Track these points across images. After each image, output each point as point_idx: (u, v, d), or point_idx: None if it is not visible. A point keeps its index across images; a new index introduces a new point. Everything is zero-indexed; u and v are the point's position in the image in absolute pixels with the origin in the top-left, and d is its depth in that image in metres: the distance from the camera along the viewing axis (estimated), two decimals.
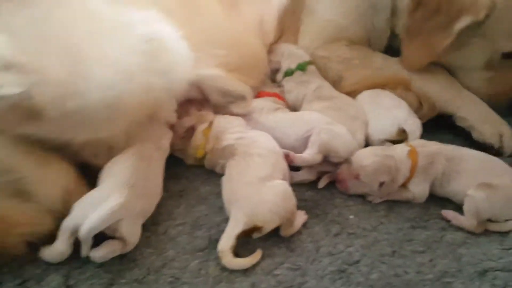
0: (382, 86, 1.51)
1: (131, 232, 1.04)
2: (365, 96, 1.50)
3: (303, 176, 1.29)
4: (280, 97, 1.51)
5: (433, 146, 1.30)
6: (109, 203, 0.99)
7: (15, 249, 1.01)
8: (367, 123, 1.42)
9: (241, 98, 1.36)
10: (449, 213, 1.22)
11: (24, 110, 0.97)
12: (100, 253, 1.01)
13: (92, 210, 1.00)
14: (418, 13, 1.42)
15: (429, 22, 1.42)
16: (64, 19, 1.05)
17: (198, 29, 1.33)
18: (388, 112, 1.43)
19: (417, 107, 1.48)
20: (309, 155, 1.25)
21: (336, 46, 1.59)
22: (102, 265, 1.03)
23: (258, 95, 1.48)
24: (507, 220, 1.18)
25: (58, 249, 1.01)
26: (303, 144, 1.29)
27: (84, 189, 1.10)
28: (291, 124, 1.34)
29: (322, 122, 1.30)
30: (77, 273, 1.01)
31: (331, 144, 1.25)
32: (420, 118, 1.44)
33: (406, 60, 1.53)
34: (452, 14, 1.39)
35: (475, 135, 1.47)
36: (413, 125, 1.38)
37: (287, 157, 1.24)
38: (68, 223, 1.01)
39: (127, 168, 1.11)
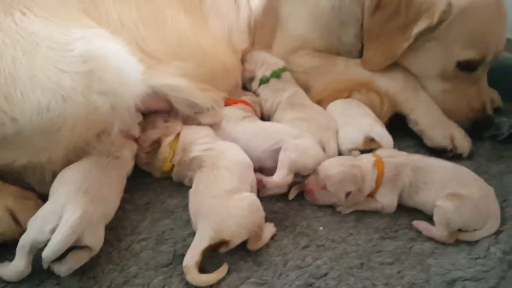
0: (347, 89, 1.53)
1: (94, 239, 1.02)
2: (335, 106, 1.51)
3: (273, 190, 1.27)
4: (247, 103, 1.50)
5: (400, 157, 1.30)
6: (67, 220, 0.96)
7: None
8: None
9: (208, 108, 1.34)
10: (420, 224, 1.21)
11: None
12: (66, 267, 0.98)
13: (48, 224, 0.97)
14: (377, 16, 1.45)
15: (388, 25, 1.44)
16: None
17: (164, 42, 1.35)
18: (354, 120, 1.43)
19: (379, 106, 1.50)
20: (280, 178, 1.22)
21: (298, 56, 1.61)
22: (60, 282, 0.99)
23: (225, 103, 1.47)
24: (476, 230, 1.18)
25: (17, 268, 0.97)
26: (270, 157, 1.27)
27: (33, 204, 1.10)
28: (258, 136, 1.32)
29: (289, 136, 1.29)
30: None
31: (300, 161, 1.25)
32: (381, 116, 1.46)
33: (366, 62, 1.55)
34: (410, 17, 1.41)
35: (425, 141, 1.49)
36: (380, 133, 1.38)
37: (260, 182, 1.23)
38: (25, 241, 0.98)
39: (79, 174, 1.09)
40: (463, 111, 1.53)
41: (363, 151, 1.37)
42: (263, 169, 1.29)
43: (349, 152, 1.37)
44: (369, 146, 1.38)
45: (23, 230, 1.02)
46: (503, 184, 1.34)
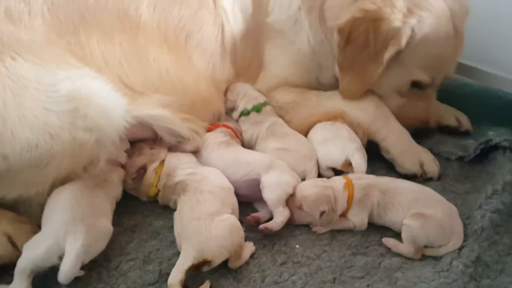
0: (317, 121, 1.61)
1: (96, 250, 1.14)
2: (324, 125, 1.59)
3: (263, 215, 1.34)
4: (228, 127, 1.58)
5: (369, 179, 1.39)
6: (70, 252, 1.05)
7: None
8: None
9: (188, 137, 1.43)
10: (389, 241, 1.31)
11: None
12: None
13: (53, 254, 1.06)
14: (349, 49, 1.53)
15: (360, 56, 1.53)
16: None
17: (146, 78, 1.45)
18: (340, 142, 1.51)
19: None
20: (282, 216, 1.29)
21: (274, 92, 1.70)
22: None
23: (209, 128, 1.55)
24: (440, 246, 1.28)
25: None
26: (242, 186, 1.36)
27: (26, 228, 1.19)
28: (229, 166, 1.40)
29: (260, 167, 1.36)
30: None
31: (283, 194, 1.31)
32: None
33: (344, 92, 1.63)
34: (379, 45, 1.51)
35: (397, 168, 1.58)
36: (360, 160, 1.46)
37: (266, 229, 1.27)
38: (24, 265, 1.07)
39: (72, 200, 1.17)
40: (410, 121, 1.65)
41: (336, 171, 1.47)
42: (237, 195, 1.35)
43: (327, 169, 1.47)
44: (345, 168, 1.47)
45: (20, 253, 1.10)
46: (468, 202, 1.44)
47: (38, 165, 1.16)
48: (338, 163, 1.48)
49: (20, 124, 1.13)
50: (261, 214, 1.34)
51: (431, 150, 1.65)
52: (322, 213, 1.31)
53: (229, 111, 1.68)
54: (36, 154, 1.14)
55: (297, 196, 1.33)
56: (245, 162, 1.41)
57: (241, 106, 1.63)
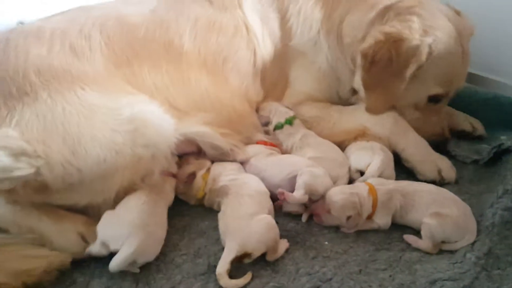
0: (341, 139, 1.77)
1: (149, 257, 1.34)
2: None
3: (292, 207, 1.53)
4: (273, 144, 1.78)
5: (389, 184, 1.54)
6: (122, 252, 1.27)
7: (49, 274, 1.31)
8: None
9: (228, 150, 1.64)
10: (409, 238, 1.46)
11: (35, 185, 1.32)
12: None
13: (116, 243, 1.29)
14: (373, 70, 1.67)
15: (383, 74, 1.67)
16: (64, 113, 1.37)
17: (189, 99, 1.66)
18: (372, 152, 1.68)
19: None
20: (298, 195, 1.49)
21: (299, 107, 1.88)
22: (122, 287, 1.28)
23: (257, 142, 1.76)
24: (456, 242, 1.42)
25: (97, 251, 1.32)
26: (288, 184, 1.54)
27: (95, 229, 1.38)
28: (276, 167, 1.60)
29: (303, 165, 1.56)
30: None
31: (312, 184, 1.50)
32: None
33: (371, 109, 1.78)
34: (402, 63, 1.64)
35: (417, 175, 1.72)
36: (375, 166, 1.61)
37: (281, 194, 1.49)
38: (100, 234, 1.32)
39: (140, 207, 1.38)
40: (427, 135, 1.78)
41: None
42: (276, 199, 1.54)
43: (355, 171, 1.65)
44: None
45: None
46: (481, 202, 1.57)
47: (106, 176, 1.38)
48: (364, 166, 1.65)
49: (91, 143, 1.35)
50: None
51: (448, 153, 1.78)
52: (348, 218, 1.46)
53: (264, 126, 1.85)
54: (104, 167, 1.36)
55: (327, 201, 1.48)
56: (289, 163, 1.60)
57: (275, 121, 1.81)
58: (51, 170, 1.30)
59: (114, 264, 1.27)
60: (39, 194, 1.33)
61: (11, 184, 1.29)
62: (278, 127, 1.80)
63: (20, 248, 1.33)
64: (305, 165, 1.58)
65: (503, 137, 1.82)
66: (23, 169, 1.27)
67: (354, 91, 1.85)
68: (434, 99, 1.77)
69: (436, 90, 1.74)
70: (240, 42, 1.80)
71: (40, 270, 1.28)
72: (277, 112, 1.82)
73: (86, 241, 1.37)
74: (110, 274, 1.30)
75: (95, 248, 1.32)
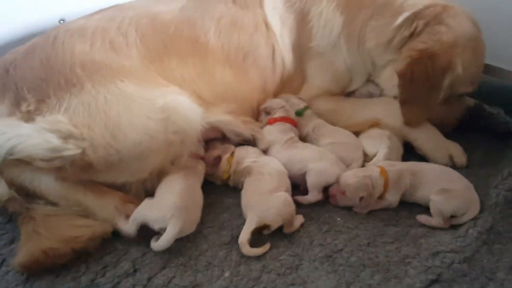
0: (356, 130, 1.88)
1: (186, 233, 1.49)
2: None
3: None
4: (287, 119, 1.86)
5: (399, 165, 1.67)
6: (169, 232, 1.41)
7: (94, 242, 1.49)
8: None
9: (249, 137, 1.80)
10: (422, 218, 1.57)
11: (80, 164, 1.49)
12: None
13: (158, 223, 1.44)
14: (413, 86, 1.75)
15: (421, 89, 1.75)
16: (106, 101, 1.53)
17: (214, 91, 1.82)
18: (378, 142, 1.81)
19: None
20: (312, 197, 1.63)
21: (315, 100, 1.99)
22: (156, 254, 1.45)
23: (268, 122, 1.87)
24: (463, 214, 1.54)
25: (128, 230, 1.48)
26: (298, 178, 1.67)
27: (133, 207, 1.54)
28: (289, 162, 1.70)
29: (310, 161, 1.67)
30: (140, 260, 1.45)
31: (322, 181, 1.63)
32: None
33: (410, 122, 1.84)
34: (438, 76, 1.73)
35: (430, 161, 1.80)
36: (381, 154, 1.74)
37: (296, 201, 1.60)
38: (138, 216, 1.48)
39: (181, 187, 1.53)
40: (450, 123, 1.92)
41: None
42: (298, 186, 1.69)
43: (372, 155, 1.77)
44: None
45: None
46: (487, 183, 1.67)
47: (141, 158, 1.55)
48: (371, 154, 1.77)
49: (129, 127, 1.52)
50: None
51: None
52: (361, 198, 1.58)
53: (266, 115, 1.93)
54: (140, 149, 1.53)
55: (341, 184, 1.61)
56: (299, 160, 1.71)
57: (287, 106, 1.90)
58: (95, 151, 1.48)
59: (162, 243, 1.42)
60: (84, 172, 1.51)
61: (61, 163, 1.46)
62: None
63: (69, 218, 1.52)
64: (312, 160, 1.68)
65: None
66: (71, 149, 1.45)
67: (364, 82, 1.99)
68: (462, 95, 1.87)
69: (467, 89, 1.84)
70: (260, 39, 1.92)
71: (85, 237, 1.46)
72: (289, 103, 1.93)
73: (122, 213, 1.53)
74: (146, 243, 1.47)
75: (128, 228, 1.47)
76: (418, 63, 1.72)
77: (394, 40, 1.82)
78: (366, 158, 1.77)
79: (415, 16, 1.78)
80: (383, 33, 1.84)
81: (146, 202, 1.51)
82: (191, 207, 1.51)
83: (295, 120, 1.88)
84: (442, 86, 1.75)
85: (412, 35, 1.78)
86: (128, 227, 1.47)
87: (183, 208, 1.47)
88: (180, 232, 1.44)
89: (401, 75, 1.75)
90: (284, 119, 1.86)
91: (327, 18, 1.93)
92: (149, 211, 1.47)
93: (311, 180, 1.64)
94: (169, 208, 1.46)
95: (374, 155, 1.76)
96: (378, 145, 1.78)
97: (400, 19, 1.80)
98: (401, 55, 1.77)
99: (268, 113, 1.89)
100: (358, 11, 1.89)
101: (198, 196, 1.59)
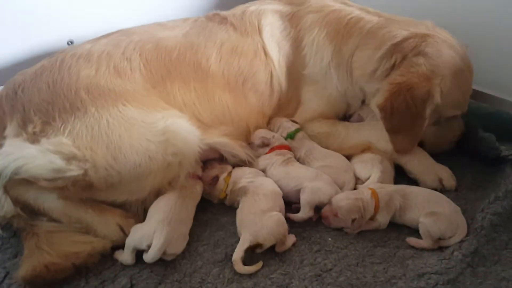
0: (349, 153, 1.94)
1: (175, 250, 1.55)
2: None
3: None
4: (285, 147, 1.94)
5: (389, 187, 1.73)
6: (155, 245, 1.49)
7: (93, 257, 1.56)
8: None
9: (245, 159, 1.87)
10: (411, 240, 1.63)
11: (82, 184, 1.57)
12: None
13: (145, 241, 1.51)
14: (394, 118, 1.80)
15: (404, 119, 1.79)
16: (108, 125, 1.62)
17: (213, 114, 1.90)
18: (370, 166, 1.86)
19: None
20: (303, 214, 1.69)
21: (310, 123, 2.06)
22: (153, 270, 1.52)
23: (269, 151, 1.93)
24: (450, 237, 1.59)
25: (126, 259, 1.54)
26: (293, 195, 1.75)
27: (131, 221, 1.63)
28: (285, 179, 1.78)
29: (306, 179, 1.75)
30: (137, 276, 1.51)
31: (315, 199, 1.69)
32: None
33: (399, 150, 1.88)
34: (419, 106, 1.76)
35: (419, 184, 1.85)
36: (374, 177, 1.80)
37: (288, 218, 1.66)
38: (129, 243, 1.54)
39: (167, 206, 1.61)
40: (444, 145, 1.98)
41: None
42: (291, 202, 1.75)
43: (365, 179, 1.82)
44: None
45: (126, 237, 1.57)
46: (475, 207, 1.73)
47: (140, 178, 1.62)
48: (364, 178, 1.83)
49: (130, 150, 1.60)
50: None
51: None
52: (353, 220, 1.63)
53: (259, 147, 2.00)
54: (139, 171, 1.61)
55: (334, 206, 1.66)
56: (296, 177, 1.78)
57: (278, 134, 1.98)
58: (96, 172, 1.56)
59: (150, 256, 1.49)
60: (86, 191, 1.59)
61: (63, 183, 1.54)
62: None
63: (70, 235, 1.59)
64: (308, 178, 1.75)
65: (502, 147, 1.93)
66: (74, 170, 1.53)
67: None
68: (451, 118, 1.93)
69: (453, 112, 1.90)
70: (259, 65, 2.01)
71: (85, 253, 1.53)
72: (281, 126, 2.00)
73: (123, 230, 1.61)
74: (142, 259, 1.53)
75: (125, 258, 1.54)
76: (397, 96, 1.77)
77: (378, 70, 1.89)
78: (358, 182, 1.83)
79: (394, 48, 1.84)
80: (368, 64, 1.91)
81: (134, 227, 1.58)
82: (174, 222, 1.56)
83: (288, 145, 1.95)
84: (424, 115, 1.79)
85: (393, 67, 1.85)
86: (125, 256, 1.54)
87: (165, 222, 1.54)
88: (165, 243, 1.50)
89: (381, 109, 1.81)
90: (279, 147, 1.93)
91: (318, 46, 2.00)
92: (136, 234, 1.54)
93: (304, 197, 1.70)
94: (152, 225, 1.54)
95: (367, 179, 1.81)
96: (370, 169, 1.84)
97: (381, 52, 1.86)
98: (382, 86, 1.84)
99: (267, 145, 1.95)
100: (346, 40, 1.96)
101: (186, 213, 1.65)
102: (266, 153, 1.94)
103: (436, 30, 1.88)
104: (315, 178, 1.77)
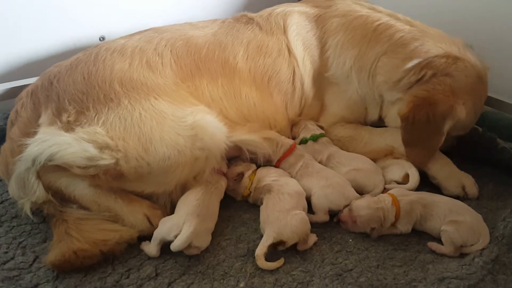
0: (371, 157, 1.95)
1: (201, 243, 1.58)
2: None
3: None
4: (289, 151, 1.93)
5: (411, 195, 1.73)
6: (183, 234, 1.52)
7: (120, 245, 1.60)
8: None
9: (269, 154, 1.91)
10: (433, 245, 1.64)
11: (113, 173, 1.62)
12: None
13: (173, 232, 1.54)
14: (414, 130, 1.82)
15: (423, 132, 1.82)
16: (140, 117, 1.66)
17: (239, 111, 1.95)
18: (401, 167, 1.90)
19: None
20: (318, 217, 1.72)
21: (333, 127, 2.10)
22: (177, 261, 1.56)
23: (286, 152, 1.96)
24: (472, 245, 1.60)
25: (151, 251, 1.57)
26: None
27: (158, 212, 1.67)
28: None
29: (316, 186, 1.78)
30: (162, 266, 1.55)
31: (325, 204, 1.72)
32: None
33: (413, 162, 1.89)
34: (439, 121, 1.79)
35: (442, 191, 1.87)
36: (415, 173, 1.84)
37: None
38: (156, 236, 1.58)
39: (196, 201, 1.65)
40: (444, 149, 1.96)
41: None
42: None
43: (391, 182, 1.86)
44: (404, 180, 1.86)
45: (154, 228, 1.61)
46: (496, 216, 1.74)
47: (168, 171, 1.66)
48: (399, 177, 1.86)
49: (160, 142, 1.64)
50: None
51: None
52: (373, 229, 1.65)
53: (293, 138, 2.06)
54: (168, 163, 1.65)
55: (354, 213, 1.68)
56: (307, 188, 1.79)
57: (301, 135, 2.03)
58: (127, 162, 1.60)
59: (176, 243, 1.52)
60: (116, 180, 1.64)
61: (95, 171, 1.59)
62: (303, 141, 2.01)
63: (99, 222, 1.63)
64: (320, 186, 1.77)
65: None
66: (106, 159, 1.58)
67: (380, 119, 2.07)
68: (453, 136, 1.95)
69: (459, 133, 1.94)
70: (282, 63, 2.05)
71: (113, 241, 1.57)
72: (306, 128, 2.04)
73: (150, 221, 1.65)
74: (168, 250, 1.56)
75: (151, 249, 1.57)
76: (420, 109, 1.80)
77: (402, 81, 1.90)
78: (391, 183, 1.86)
79: (426, 64, 1.85)
80: (393, 72, 1.92)
81: (162, 220, 1.62)
82: (203, 216, 1.60)
83: (293, 146, 1.96)
84: (443, 130, 1.81)
85: (418, 81, 1.86)
86: (151, 248, 1.58)
87: (194, 215, 1.58)
88: (194, 233, 1.52)
89: (404, 118, 1.83)
90: (286, 155, 1.94)
91: (342, 49, 2.03)
92: (164, 226, 1.58)
93: (314, 203, 1.75)
94: (182, 216, 1.58)
95: (395, 181, 1.85)
96: (403, 169, 1.86)
97: (410, 64, 1.87)
98: (406, 98, 1.86)
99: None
100: (373, 45, 1.98)
101: (212, 208, 1.69)
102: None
103: (466, 52, 1.89)
104: (325, 185, 1.78)
